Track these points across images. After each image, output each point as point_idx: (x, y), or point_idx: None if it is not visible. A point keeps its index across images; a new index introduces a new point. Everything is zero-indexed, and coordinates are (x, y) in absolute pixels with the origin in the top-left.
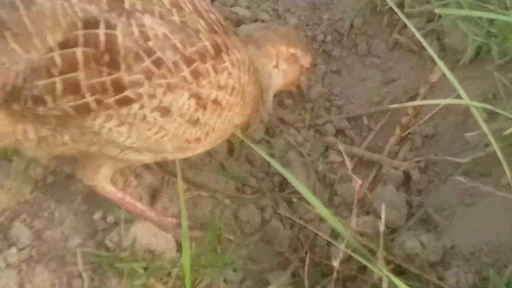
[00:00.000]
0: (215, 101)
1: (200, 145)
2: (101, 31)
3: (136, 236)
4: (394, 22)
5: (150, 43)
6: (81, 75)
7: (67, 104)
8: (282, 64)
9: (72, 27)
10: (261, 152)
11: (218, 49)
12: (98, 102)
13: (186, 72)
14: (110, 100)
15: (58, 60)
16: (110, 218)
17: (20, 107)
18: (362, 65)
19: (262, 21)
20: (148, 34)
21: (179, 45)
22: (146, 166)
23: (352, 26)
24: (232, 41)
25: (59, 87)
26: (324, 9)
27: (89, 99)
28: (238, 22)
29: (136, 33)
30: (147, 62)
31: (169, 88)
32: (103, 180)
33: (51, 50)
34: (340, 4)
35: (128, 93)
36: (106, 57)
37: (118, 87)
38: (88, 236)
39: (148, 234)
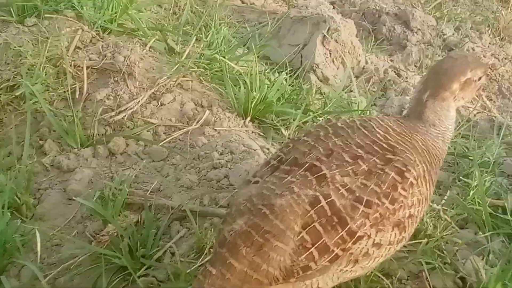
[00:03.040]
0: (410, 216)
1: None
2: (323, 203)
3: None
4: None
5: (356, 193)
6: (326, 239)
7: (324, 261)
8: (459, 95)
9: (306, 211)
10: None
11: (401, 173)
12: (343, 249)
13: (387, 203)
14: (350, 244)
15: (307, 238)
16: None
17: (296, 278)
18: None
19: None
20: (352, 188)
21: (376, 188)
22: None
23: None
24: (406, 156)
25: (316, 254)
26: None
27: (337, 250)
28: None
29: (344, 192)
30: (362, 208)
31: (378, 225)
32: None
33: (299, 233)
34: None
35: (359, 233)
36: (335, 219)
37: (352, 234)
38: None
39: None
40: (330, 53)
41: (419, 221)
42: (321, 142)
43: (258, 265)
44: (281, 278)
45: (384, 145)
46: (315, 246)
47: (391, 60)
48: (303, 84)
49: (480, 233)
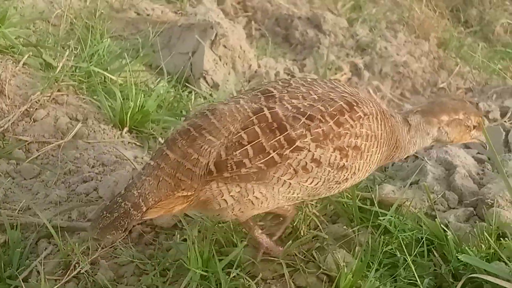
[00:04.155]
0: (355, 147)
1: (348, 183)
2: (266, 112)
3: None
4: None
5: (301, 109)
6: (263, 140)
7: (259, 162)
8: (445, 128)
9: (247, 117)
10: None
11: (351, 105)
12: (280, 155)
13: (331, 123)
14: (288, 151)
15: (244, 136)
16: None
17: (229, 173)
18: None
19: None
20: (298, 106)
21: (322, 108)
22: None
23: None
24: (362, 99)
25: (250, 151)
26: None
27: (273, 154)
28: None
29: (289, 107)
30: (303, 119)
31: (319, 141)
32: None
33: (237, 133)
34: None
35: (298, 143)
36: (275, 124)
37: (290, 141)
38: None
39: None
40: (220, 59)
41: (368, 167)
42: (285, 80)
43: (190, 154)
44: (215, 170)
45: (346, 94)
46: (251, 144)
47: (302, 64)
48: (182, 92)
49: (346, 226)
